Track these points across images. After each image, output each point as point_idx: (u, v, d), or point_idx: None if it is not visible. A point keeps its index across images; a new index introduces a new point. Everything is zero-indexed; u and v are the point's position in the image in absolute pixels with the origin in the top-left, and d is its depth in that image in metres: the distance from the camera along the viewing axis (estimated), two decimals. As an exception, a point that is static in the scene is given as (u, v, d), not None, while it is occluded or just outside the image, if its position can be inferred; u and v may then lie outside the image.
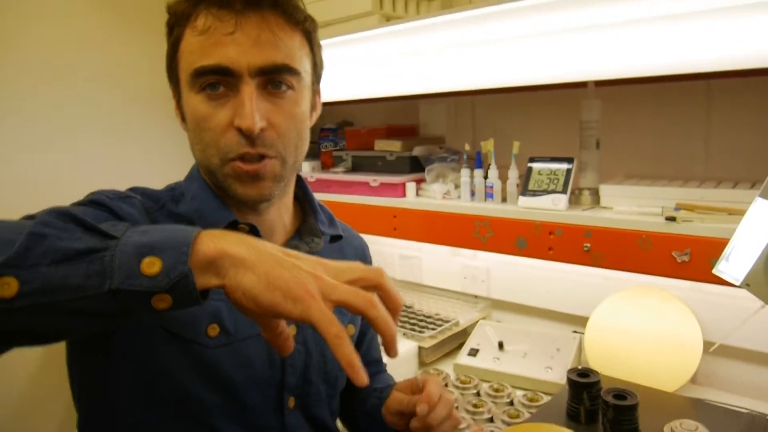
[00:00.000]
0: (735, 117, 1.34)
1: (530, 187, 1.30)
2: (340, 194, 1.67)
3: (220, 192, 0.81)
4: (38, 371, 1.94)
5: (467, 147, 1.45)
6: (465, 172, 1.43)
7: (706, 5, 0.98)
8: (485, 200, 1.40)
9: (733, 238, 0.89)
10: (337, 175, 1.73)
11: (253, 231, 0.79)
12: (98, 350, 0.75)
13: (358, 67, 1.59)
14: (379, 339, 0.56)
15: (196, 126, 0.76)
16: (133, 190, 0.82)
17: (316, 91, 0.86)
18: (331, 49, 1.54)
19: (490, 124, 1.79)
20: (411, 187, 1.54)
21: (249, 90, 0.73)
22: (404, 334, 1.62)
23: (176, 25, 0.76)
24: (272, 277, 0.52)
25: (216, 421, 0.77)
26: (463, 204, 1.41)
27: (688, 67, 1.05)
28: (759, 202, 0.82)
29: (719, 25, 0.98)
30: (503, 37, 1.28)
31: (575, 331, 1.58)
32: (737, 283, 0.88)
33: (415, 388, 0.89)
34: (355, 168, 1.78)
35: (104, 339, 0.73)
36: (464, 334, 1.70)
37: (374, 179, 1.59)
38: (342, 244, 0.96)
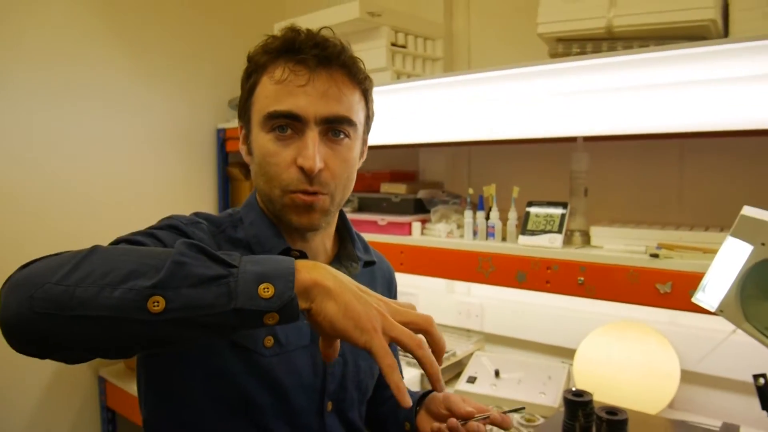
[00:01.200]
0: (704, 171, 1.55)
1: (529, 227, 1.46)
2: (349, 232, 1.80)
3: (276, 221, 0.93)
4: (51, 383, 2.00)
5: (471, 191, 1.61)
6: (468, 214, 1.59)
7: (680, 78, 1.18)
8: (486, 239, 1.56)
9: (708, 272, 1.03)
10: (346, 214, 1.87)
11: (303, 256, 0.91)
12: (169, 355, 0.85)
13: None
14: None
15: (263, 160, 0.87)
16: (197, 215, 0.94)
17: (365, 140, 1.00)
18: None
19: (484, 171, 1.97)
20: (417, 226, 1.69)
21: (313, 135, 0.85)
22: (408, 362, 1.74)
23: (254, 73, 0.88)
24: (349, 308, 0.65)
25: (267, 421, 0.88)
26: (466, 242, 1.57)
27: (664, 128, 1.24)
28: (730, 240, 0.98)
29: (691, 94, 1.18)
30: (498, 97, 1.46)
31: (563, 362, 1.72)
32: (713, 310, 1.02)
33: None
34: (361, 208, 1.92)
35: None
36: (460, 364, 1.82)
37: (382, 218, 1.73)
38: (373, 269, 1.09)
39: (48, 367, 1.99)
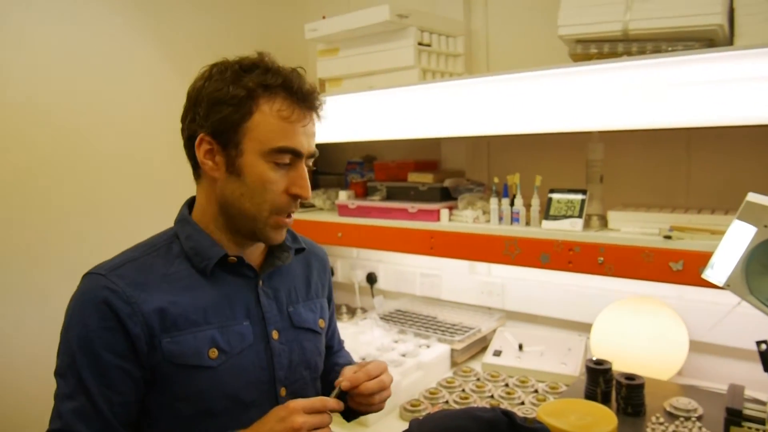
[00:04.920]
0: (710, 158, 1.68)
1: (551, 212, 1.60)
2: (380, 219, 1.95)
3: (215, 233, 1.01)
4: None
5: (496, 180, 1.74)
6: (494, 201, 1.73)
7: (686, 78, 1.29)
8: (511, 224, 1.70)
9: (716, 251, 1.16)
10: (375, 202, 2.00)
11: (240, 260, 1.01)
12: (147, 392, 0.96)
13: (393, 111, 1.86)
14: None
15: (259, 185, 0.95)
16: (116, 259, 0.99)
17: None
18: (371, 96, 1.84)
19: (503, 160, 2.10)
20: (444, 213, 1.83)
21: (305, 168, 1.00)
22: (438, 339, 1.90)
23: (249, 100, 0.94)
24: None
25: (226, 421, 0.96)
26: (493, 227, 1.71)
27: (672, 123, 1.36)
28: (736, 223, 1.11)
29: (698, 93, 1.29)
30: (518, 93, 1.58)
31: (581, 335, 1.87)
32: (720, 285, 1.16)
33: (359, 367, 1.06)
34: (389, 197, 2.06)
35: (146, 384, 0.94)
36: (485, 340, 1.97)
37: (412, 206, 1.87)
38: (307, 256, 1.18)
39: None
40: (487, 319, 2.08)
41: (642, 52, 1.42)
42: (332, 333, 1.31)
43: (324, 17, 2.05)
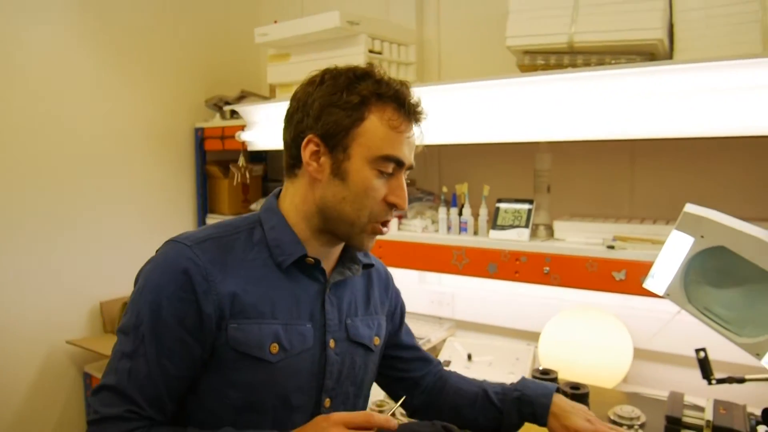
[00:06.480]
0: (652, 169, 1.72)
1: (498, 222, 1.60)
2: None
3: (303, 231, 1.00)
4: (36, 379, 2.04)
5: (445, 189, 1.74)
6: (442, 210, 1.73)
7: (628, 91, 1.32)
8: (460, 233, 1.69)
9: (656, 261, 1.19)
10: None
11: (317, 263, 1.01)
12: (202, 371, 0.95)
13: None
14: None
15: (362, 191, 0.95)
16: (203, 230, 0.99)
17: None
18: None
19: (454, 169, 2.10)
20: (393, 222, 1.81)
21: (404, 178, 1.00)
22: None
23: (362, 105, 0.94)
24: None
25: (268, 418, 0.97)
26: (441, 236, 1.70)
27: (615, 134, 1.38)
28: (675, 233, 1.13)
29: (638, 105, 1.32)
30: (468, 103, 1.59)
31: (529, 344, 1.88)
32: (661, 294, 1.18)
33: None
34: (339, 205, 2.02)
35: (204, 364, 0.94)
36: (435, 350, 1.96)
37: (361, 215, 1.85)
38: (370, 272, 1.19)
39: (33, 362, 2.04)
40: (437, 329, 2.07)
41: (587, 65, 1.44)
42: (405, 332, 1.30)
43: (276, 22, 2.02)
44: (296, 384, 0.99)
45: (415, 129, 1.00)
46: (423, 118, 1.01)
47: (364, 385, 1.14)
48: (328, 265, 1.06)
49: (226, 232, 0.99)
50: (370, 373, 1.15)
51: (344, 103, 0.94)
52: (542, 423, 1.11)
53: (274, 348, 0.96)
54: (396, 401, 1.23)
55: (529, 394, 1.13)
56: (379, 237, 1.67)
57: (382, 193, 0.97)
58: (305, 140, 0.97)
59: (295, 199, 1.02)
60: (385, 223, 1.00)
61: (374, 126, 0.95)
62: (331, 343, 1.03)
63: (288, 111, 1.01)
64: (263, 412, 0.96)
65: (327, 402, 1.04)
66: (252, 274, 0.96)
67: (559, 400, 1.11)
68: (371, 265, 1.17)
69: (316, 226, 1.01)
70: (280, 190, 1.06)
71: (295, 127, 0.99)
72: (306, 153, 0.97)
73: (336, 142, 0.96)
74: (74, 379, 2.17)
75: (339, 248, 1.08)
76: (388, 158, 0.96)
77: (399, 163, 0.97)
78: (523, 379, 1.19)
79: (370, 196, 0.96)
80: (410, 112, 0.98)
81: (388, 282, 1.24)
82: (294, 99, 1.01)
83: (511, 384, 1.19)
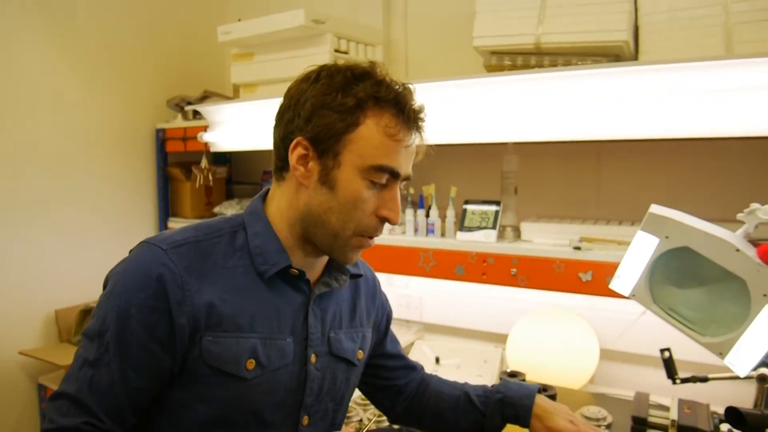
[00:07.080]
0: (618, 170, 1.73)
1: (466, 224, 1.59)
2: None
3: (287, 239, 0.93)
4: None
5: (411, 191, 1.72)
6: (409, 212, 1.71)
7: (593, 92, 1.33)
8: (427, 235, 1.67)
9: (622, 262, 1.19)
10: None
11: (301, 274, 0.94)
12: (169, 384, 0.89)
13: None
14: None
15: (350, 203, 0.87)
16: (184, 230, 0.91)
17: None
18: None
19: (421, 171, 2.08)
20: (361, 224, 1.78)
21: (398, 190, 0.92)
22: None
23: (358, 109, 0.86)
24: None
25: None
26: (408, 238, 1.68)
27: (581, 135, 1.39)
28: (640, 234, 1.13)
29: (604, 105, 1.33)
30: (435, 103, 1.56)
31: (497, 346, 1.87)
32: (626, 294, 1.18)
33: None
34: (305, 207, 1.99)
35: (172, 377, 0.88)
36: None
37: (327, 217, 1.81)
38: (358, 281, 1.11)
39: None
40: (405, 332, 2.05)
41: (554, 65, 1.44)
42: (391, 342, 1.23)
43: (240, 20, 1.98)
44: (272, 400, 0.92)
45: (416, 136, 0.91)
46: (424, 125, 0.92)
47: (344, 401, 1.08)
48: (313, 274, 0.99)
49: (207, 235, 0.92)
50: (352, 386, 1.09)
51: (338, 105, 0.86)
52: (525, 424, 1.08)
53: (251, 364, 0.89)
54: (378, 408, 1.23)
55: (512, 396, 1.09)
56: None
57: (372, 205, 0.89)
58: (293, 142, 0.89)
59: (281, 204, 0.95)
60: (371, 237, 0.92)
61: (369, 132, 0.87)
62: (312, 358, 0.96)
63: (279, 108, 0.93)
64: (234, 427, 0.90)
65: (305, 420, 0.97)
66: (231, 283, 0.89)
67: (542, 401, 1.08)
68: (359, 275, 1.09)
69: (300, 234, 0.93)
70: (268, 191, 0.99)
71: (285, 126, 0.91)
72: (293, 156, 0.89)
73: (326, 147, 0.88)
74: (28, 391, 2.07)
75: (325, 257, 1.00)
76: (381, 168, 0.87)
77: (394, 174, 0.89)
78: (505, 380, 1.16)
79: (359, 207, 0.88)
80: (410, 119, 0.89)
81: (375, 290, 1.17)
82: (287, 95, 0.92)
83: (493, 386, 1.15)
